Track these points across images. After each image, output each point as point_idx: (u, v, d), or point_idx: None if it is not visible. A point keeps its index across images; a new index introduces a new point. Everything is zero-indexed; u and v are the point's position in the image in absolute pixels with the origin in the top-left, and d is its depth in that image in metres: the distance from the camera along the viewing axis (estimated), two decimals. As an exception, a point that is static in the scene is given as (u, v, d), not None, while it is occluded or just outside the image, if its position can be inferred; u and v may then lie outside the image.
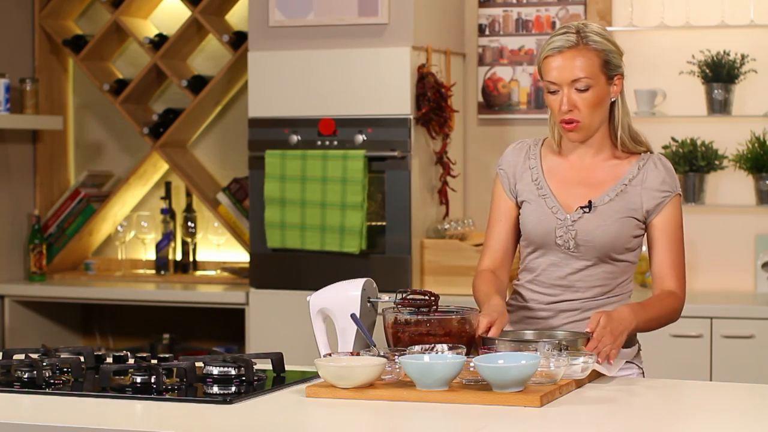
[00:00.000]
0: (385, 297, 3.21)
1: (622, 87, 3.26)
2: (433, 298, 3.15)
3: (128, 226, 5.92)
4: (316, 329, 3.22)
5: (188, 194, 5.88)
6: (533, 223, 3.29)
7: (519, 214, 3.34)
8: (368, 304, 3.20)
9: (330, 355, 3.05)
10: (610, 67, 3.21)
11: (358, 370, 2.84)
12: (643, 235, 3.30)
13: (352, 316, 3.17)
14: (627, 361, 3.26)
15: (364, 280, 3.21)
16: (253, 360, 3.04)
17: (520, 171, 3.34)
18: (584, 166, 3.30)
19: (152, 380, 2.94)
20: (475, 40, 5.51)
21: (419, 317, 3.09)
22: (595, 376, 3.04)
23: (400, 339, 3.10)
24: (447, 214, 5.28)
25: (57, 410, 2.77)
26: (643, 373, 3.31)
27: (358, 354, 3.03)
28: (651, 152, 3.31)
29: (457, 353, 2.93)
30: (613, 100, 3.25)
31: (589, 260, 3.25)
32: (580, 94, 3.19)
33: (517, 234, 3.38)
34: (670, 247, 3.25)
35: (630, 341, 3.27)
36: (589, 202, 3.24)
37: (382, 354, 2.96)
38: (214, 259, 5.90)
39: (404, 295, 3.16)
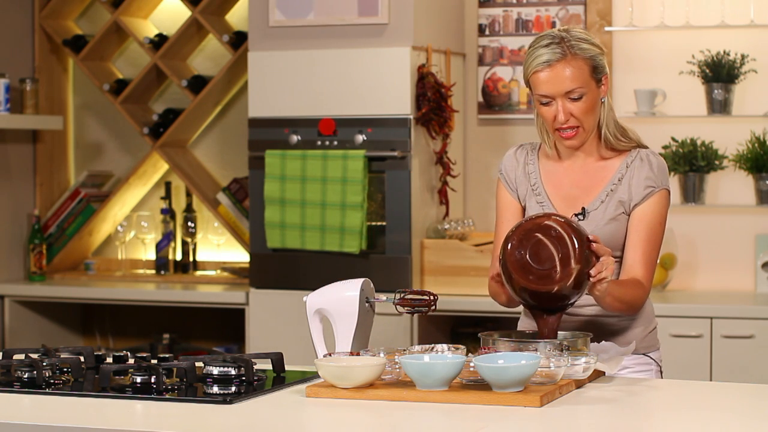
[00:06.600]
0: (382, 297, 3.19)
1: (608, 85, 3.25)
2: (432, 297, 3.15)
3: (128, 226, 5.91)
4: (312, 329, 3.21)
5: (188, 194, 5.88)
6: None
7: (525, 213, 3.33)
8: (366, 305, 3.19)
9: (330, 355, 3.05)
10: (598, 71, 3.19)
11: (358, 370, 2.84)
12: None
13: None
14: (646, 354, 3.26)
15: (362, 280, 3.19)
16: (253, 360, 3.05)
17: (520, 176, 3.33)
18: (576, 169, 3.29)
19: (152, 380, 2.94)
20: (475, 40, 5.51)
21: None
22: (596, 375, 3.04)
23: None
24: (447, 214, 5.28)
25: (57, 410, 2.77)
26: (661, 371, 3.30)
27: (358, 354, 3.03)
28: (642, 146, 3.28)
29: (457, 353, 2.93)
30: (602, 100, 3.23)
31: None
32: (575, 103, 3.16)
33: None
34: (647, 238, 3.21)
35: (628, 337, 3.26)
36: (583, 209, 3.24)
37: (381, 354, 2.96)
38: (214, 259, 5.90)
39: (402, 295, 3.16)
